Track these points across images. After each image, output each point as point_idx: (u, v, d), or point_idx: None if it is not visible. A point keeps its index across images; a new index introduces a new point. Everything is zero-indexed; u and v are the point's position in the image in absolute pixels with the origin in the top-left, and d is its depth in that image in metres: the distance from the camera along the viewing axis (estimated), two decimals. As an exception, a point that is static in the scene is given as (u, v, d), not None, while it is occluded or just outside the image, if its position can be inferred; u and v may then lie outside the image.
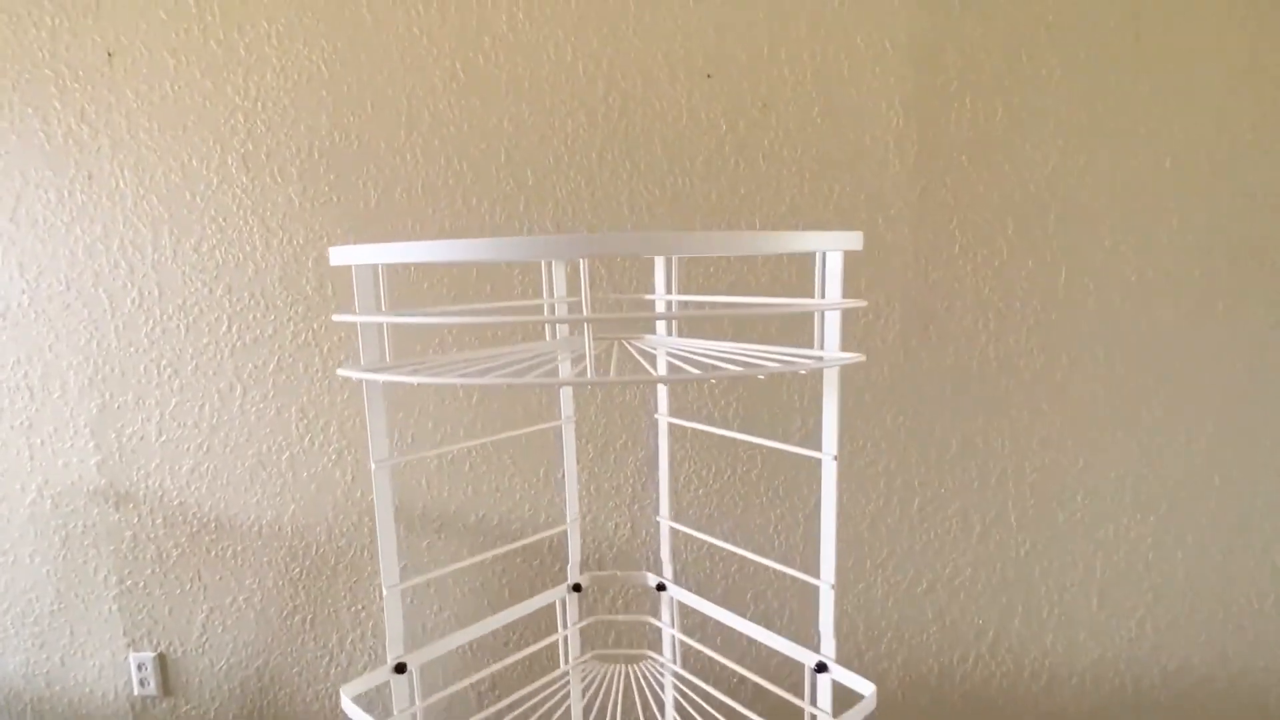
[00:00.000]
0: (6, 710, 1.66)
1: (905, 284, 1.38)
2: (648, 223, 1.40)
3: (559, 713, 0.69)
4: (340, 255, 0.61)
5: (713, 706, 0.65)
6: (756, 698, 0.65)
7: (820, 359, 0.55)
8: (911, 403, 1.42)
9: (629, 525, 1.48)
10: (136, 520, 1.55)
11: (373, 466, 0.60)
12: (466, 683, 0.83)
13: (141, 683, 1.61)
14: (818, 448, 0.59)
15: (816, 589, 0.62)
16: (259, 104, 1.40)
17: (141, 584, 1.58)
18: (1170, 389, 1.39)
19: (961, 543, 1.45)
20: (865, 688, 0.53)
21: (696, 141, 1.38)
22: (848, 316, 1.39)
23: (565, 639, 0.74)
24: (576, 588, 0.79)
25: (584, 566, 1.45)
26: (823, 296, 0.55)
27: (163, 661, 1.61)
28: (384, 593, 0.60)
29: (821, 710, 0.55)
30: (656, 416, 0.76)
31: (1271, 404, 1.38)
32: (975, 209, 1.36)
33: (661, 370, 0.79)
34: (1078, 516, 1.43)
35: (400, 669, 0.62)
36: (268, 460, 1.51)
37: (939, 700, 1.51)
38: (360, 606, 1.55)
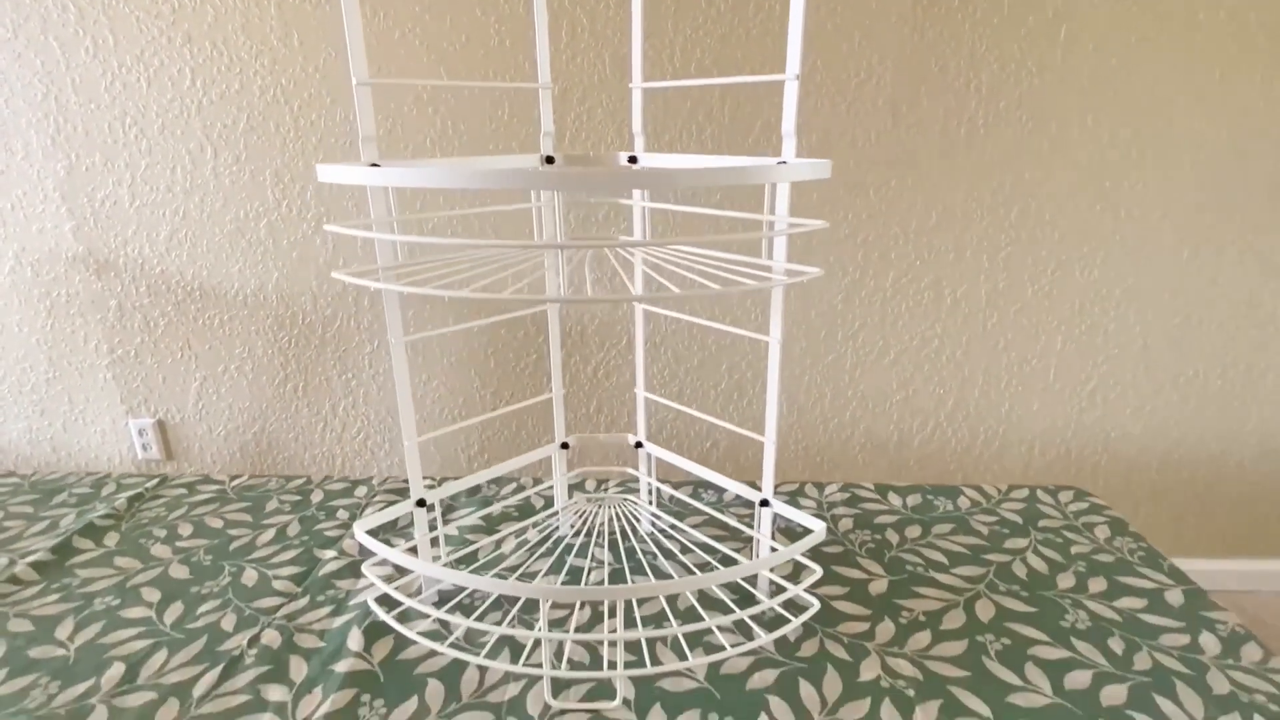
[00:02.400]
0: (16, 473, 1.75)
1: (900, 41, 1.33)
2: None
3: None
4: None
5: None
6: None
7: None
8: (896, 171, 1.41)
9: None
10: (120, 289, 1.56)
11: None
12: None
13: (144, 447, 1.68)
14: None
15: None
16: None
17: (133, 353, 1.61)
18: (1153, 160, 1.39)
19: (931, 315, 1.50)
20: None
21: None
22: (837, 81, 1.35)
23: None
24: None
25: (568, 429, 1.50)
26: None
27: (162, 428, 1.68)
28: (353, 85, 0.61)
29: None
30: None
31: (1251, 179, 1.39)
32: (980, -44, 1.28)
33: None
34: (1046, 290, 1.48)
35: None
36: (246, 227, 1.50)
37: (896, 463, 1.62)
38: (350, 375, 1.61)
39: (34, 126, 1.45)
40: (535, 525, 0.86)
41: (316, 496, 0.92)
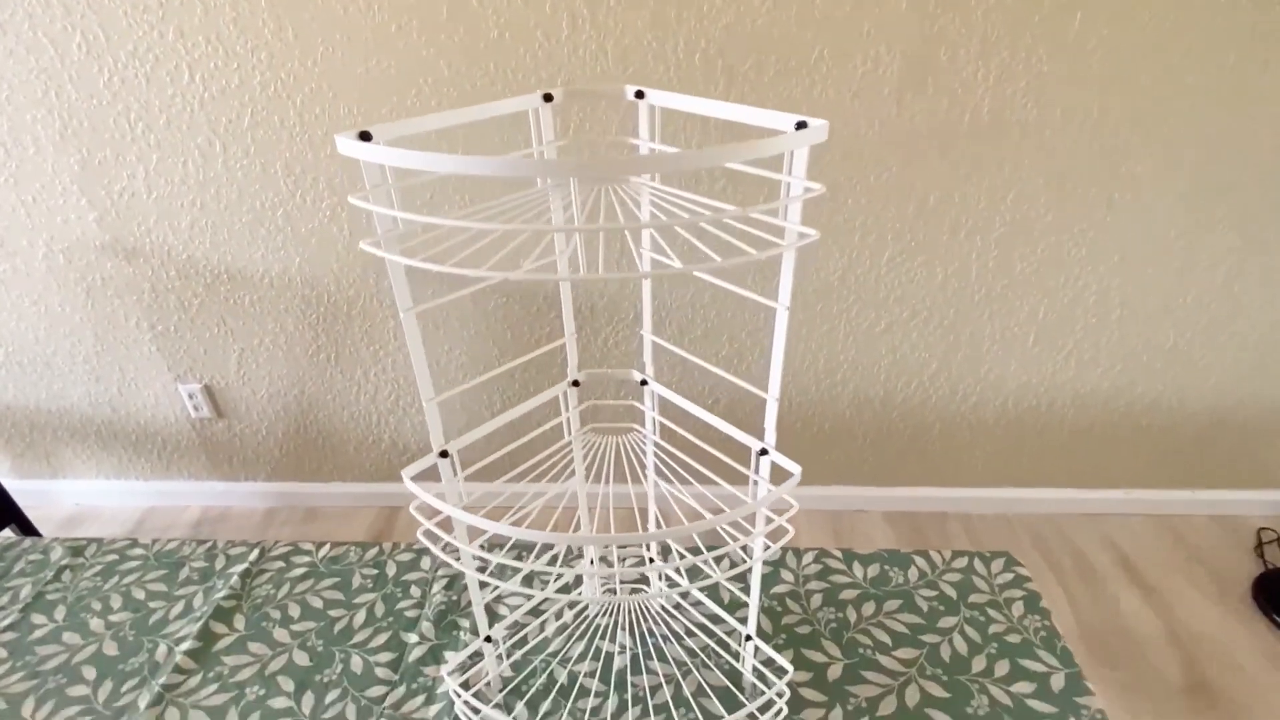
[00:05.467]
0: (82, 430, 1.93)
1: (908, 30, 1.30)
2: (634, -49, 1.25)
3: (567, 469, 0.87)
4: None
5: (683, 469, 0.83)
6: (718, 465, 0.81)
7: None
8: (897, 159, 1.42)
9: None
10: (151, 273, 1.64)
11: None
12: (483, 429, 0.99)
13: (195, 408, 1.85)
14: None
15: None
16: None
17: (173, 328, 1.72)
18: (1151, 146, 1.39)
19: (922, 290, 1.58)
20: (794, 468, 0.68)
21: None
22: (843, 71, 1.32)
23: (567, 419, 0.88)
24: (575, 383, 0.89)
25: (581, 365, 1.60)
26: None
27: (209, 391, 1.83)
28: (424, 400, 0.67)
29: (762, 478, 0.72)
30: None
31: (1241, 165, 1.41)
32: (1000, -63, 1.22)
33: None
34: (1034, 267, 1.55)
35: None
36: (263, 216, 1.55)
37: (880, 416, 1.78)
38: (378, 346, 1.72)
39: (40, 122, 1.45)
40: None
41: (391, 569, 1.06)
